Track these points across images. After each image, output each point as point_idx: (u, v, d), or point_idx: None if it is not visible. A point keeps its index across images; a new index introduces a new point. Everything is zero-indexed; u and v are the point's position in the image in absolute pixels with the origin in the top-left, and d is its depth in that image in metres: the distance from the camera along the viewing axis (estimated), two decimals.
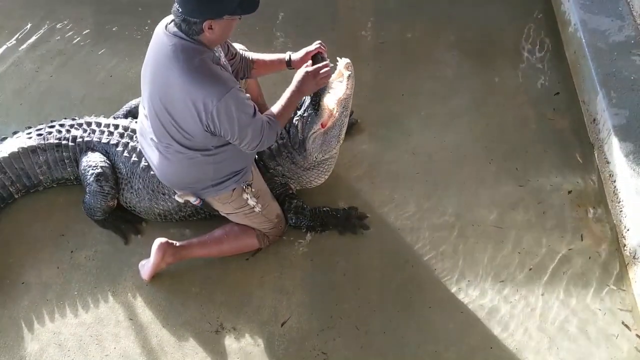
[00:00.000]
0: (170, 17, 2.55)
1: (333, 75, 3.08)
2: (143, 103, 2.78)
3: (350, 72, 3.01)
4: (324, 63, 2.83)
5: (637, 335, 2.81)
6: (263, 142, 2.68)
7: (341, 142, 3.11)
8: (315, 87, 2.84)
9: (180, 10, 2.40)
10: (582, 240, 3.16)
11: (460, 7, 4.54)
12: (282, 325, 2.83)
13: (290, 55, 3.00)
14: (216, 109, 2.46)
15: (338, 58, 3.07)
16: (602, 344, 2.78)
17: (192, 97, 2.46)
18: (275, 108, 2.77)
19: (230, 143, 2.69)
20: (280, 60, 3.03)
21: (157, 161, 2.83)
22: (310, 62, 2.90)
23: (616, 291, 2.96)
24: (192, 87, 2.45)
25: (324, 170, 3.21)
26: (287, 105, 2.79)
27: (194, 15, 2.39)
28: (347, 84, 2.99)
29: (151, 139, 2.78)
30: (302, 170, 3.16)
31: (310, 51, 2.93)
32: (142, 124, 2.86)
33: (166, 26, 2.54)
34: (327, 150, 3.08)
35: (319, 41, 2.95)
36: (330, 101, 3.00)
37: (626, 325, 2.84)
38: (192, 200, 2.86)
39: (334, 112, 2.98)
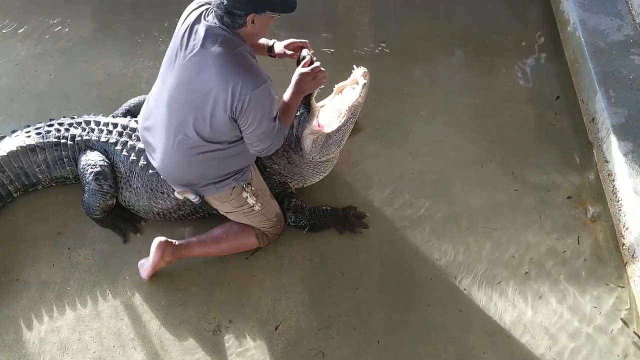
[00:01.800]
0: (198, 9, 2.60)
1: (347, 82, 3.09)
2: (161, 93, 2.72)
3: (366, 81, 3.02)
4: (317, 64, 2.81)
5: (636, 333, 2.81)
6: (272, 146, 2.72)
7: (341, 147, 3.12)
8: (316, 85, 2.83)
9: (224, 3, 2.44)
10: (580, 239, 3.16)
11: (460, 7, 4.55)
12: (275, 329, 2.83)
13: (274, 43, 3.00)
14: (249, 97, 2.48)
15: (355, 66, 3.09)
16: (601, 342, 2.79)
17: (229, 81, 2.47)
18: (278, 111, 2.76)
19: (239, 141, 2.70)
20: (263, 45, 3.03)
21: (162, 154, 2.81)
22: (301, 54, 2.86)
23: (615, 289, 2.96)
24: (231, 73, 2.48)
25: (321, 170, 3.22)
26: (289, 107, 2.80)
27: (239, 8, 2.45)
28: (361, 92, 3.00)
29: (161, 130, 2.75)
30: (298, 168, 3.16)
31: (296, 42, 2.94)
32: (149, 116, 2.83)
33: (204, 17, 2.57)
34: (325, 153, 3.08)
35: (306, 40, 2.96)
36: (340, 107, 3.01)
37: (625, 323, 2.84)
38: (192, 197, 2.86)
39: (341, 117, 2.99)
